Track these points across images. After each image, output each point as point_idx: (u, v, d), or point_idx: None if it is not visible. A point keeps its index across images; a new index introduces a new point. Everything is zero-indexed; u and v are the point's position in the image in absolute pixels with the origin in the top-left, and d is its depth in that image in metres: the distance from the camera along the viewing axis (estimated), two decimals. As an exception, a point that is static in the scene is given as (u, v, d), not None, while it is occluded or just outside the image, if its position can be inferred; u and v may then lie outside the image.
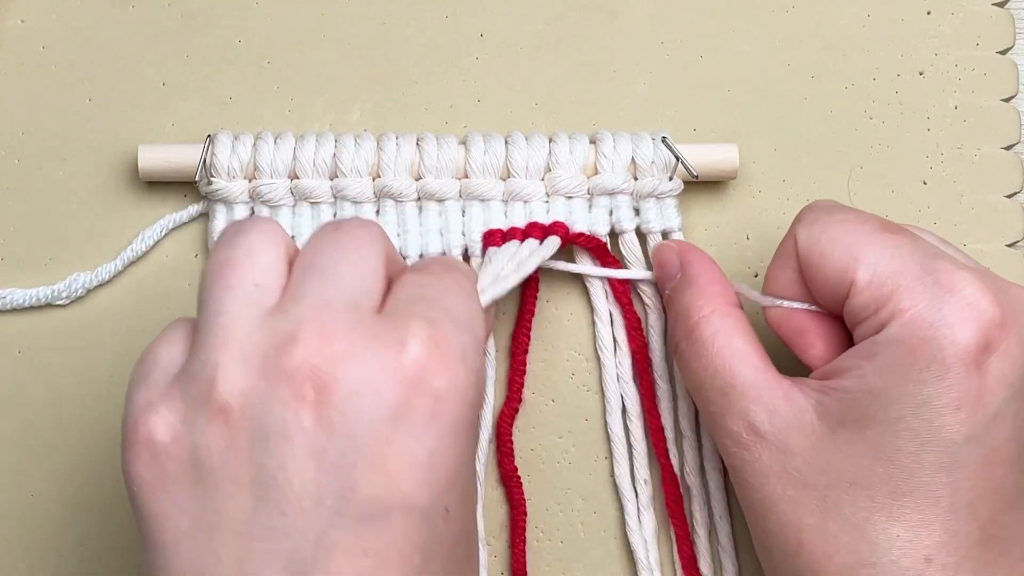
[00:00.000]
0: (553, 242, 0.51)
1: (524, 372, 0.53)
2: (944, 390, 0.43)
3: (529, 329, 0.53)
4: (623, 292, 0.53)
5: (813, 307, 0.48)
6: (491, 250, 0.51)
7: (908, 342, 0.44)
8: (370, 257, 0.42)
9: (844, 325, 0.47)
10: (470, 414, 0.41)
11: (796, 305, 0.48)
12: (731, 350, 0.47)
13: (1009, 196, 0.55)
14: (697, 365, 0.48)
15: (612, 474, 0.53)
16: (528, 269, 0.50)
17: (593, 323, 0.53)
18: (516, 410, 0.53)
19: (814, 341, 0.48)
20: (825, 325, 0.48)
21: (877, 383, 0.44)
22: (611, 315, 0.53)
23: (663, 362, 0.53)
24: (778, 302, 0.48)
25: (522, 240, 0.52)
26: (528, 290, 0.53)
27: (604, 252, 0.52)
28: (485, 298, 0.47)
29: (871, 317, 0.45)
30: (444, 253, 0.52)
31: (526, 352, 0.53)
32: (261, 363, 0.39)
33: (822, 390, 0.46)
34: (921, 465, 0.44)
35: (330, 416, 0.39)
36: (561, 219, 0.52)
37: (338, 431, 0.39)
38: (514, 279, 0.49)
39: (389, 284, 0.43)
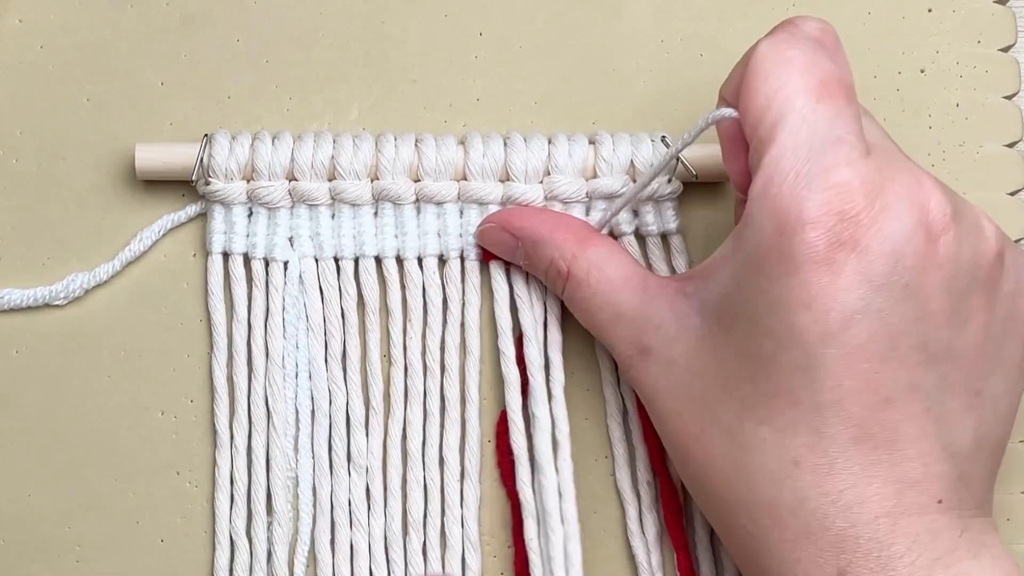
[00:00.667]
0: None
1: (524, 372, 0.53)
2: (795, 287, 0.42)
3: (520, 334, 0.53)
4: None
5: (730, 113, 0.45)
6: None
7: (766, 232, 0.42)
8: None
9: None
10: None
11: (726, 114, 0.45)
12: (609, 281, 0.48)
13: (1011, 194, 0.55)
14: (583, 306, 0.48)
15: (612, 474, 0.53)
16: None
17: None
18: (515, 411, 0.53)
19: (739, 154, 0.46)
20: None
21: (742, 276, 0.43)
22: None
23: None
24: (716, 113, 0.45)
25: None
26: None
27: None
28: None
29: (752, 180, 0.43)
30: (442, 255, 0.53)
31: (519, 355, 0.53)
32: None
33: (705, 287, 0.45)
34: (779, 366, 0.43)
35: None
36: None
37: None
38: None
39: None
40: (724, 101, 0.47)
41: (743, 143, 0.45)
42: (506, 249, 0.51)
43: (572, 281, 0.49)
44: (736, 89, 0.45)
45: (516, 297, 0.52)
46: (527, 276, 0.52)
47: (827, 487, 0.43)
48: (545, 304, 0.52)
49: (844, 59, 0.45)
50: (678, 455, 0.47)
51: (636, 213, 0.53)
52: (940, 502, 0.43)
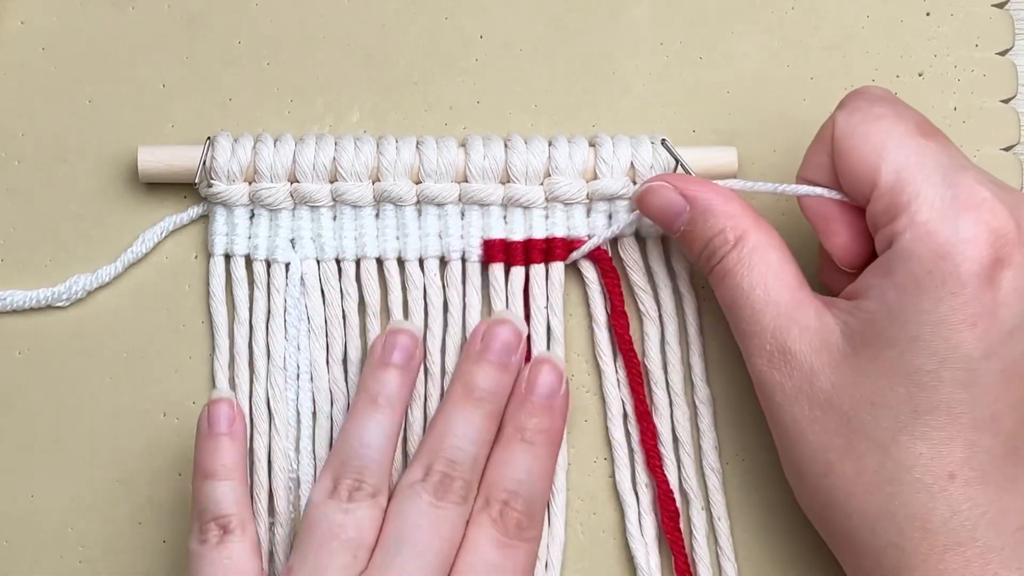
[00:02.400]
0: (558, 272, 0.53)
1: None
2: (960, 307, 0.44)
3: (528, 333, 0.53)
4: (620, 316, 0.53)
5: (830, 193, 0.48)
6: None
7: (923, 258, 0.44)
8: None
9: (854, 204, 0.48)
10: None
11: (806, 191, 0.49)
12: (767, 267, 0.48)
13: (1008, 197, 0.55)
14: (733, 283, 0.48)
15: (611, 475, 0.53)
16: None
17: (591, 328, 0.53)
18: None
19: (838, 229, 0.48)
20: (851, 214, 0.48)
21: (894, 302, 0.45)
22: (610, 318, 0.53)
23: (660, 371, 0.53)
24: (788, 189, 0.49)
25: (523, 259, 0.52)
26: (525, 295, 0.53)
27: (607, 262, 0.53)
28: None
29: (889, 224, 0.45)
30: (443, 257, 0.53)
31: (527, 353, 0.53)
32: None
33: (848, 311, 0.46)
34: (940, 382, 0.44)
35: None
36: (560, 223, 0.53)
37: None
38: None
39: None
40: (805, 181, 0.49)
41: (842, 216, 0.48)
42: (670, 211, 0.50)
43: (736, 252, 0.48)
44: (821, 167, 0.48)
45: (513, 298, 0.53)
46: (527, 280, 0.52)
47: (979, 499, 0.44)
48: (547, 306, 0.53)
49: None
50: (817, 468, 0.47)
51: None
52: None
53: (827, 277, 0.51)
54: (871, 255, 0.48)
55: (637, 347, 0.53)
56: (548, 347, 0.53)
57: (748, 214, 0.49)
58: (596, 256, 0.53)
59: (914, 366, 0.44)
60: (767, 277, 0.48)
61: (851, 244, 0.48)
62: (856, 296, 0.46)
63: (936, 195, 0.45)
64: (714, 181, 0.50)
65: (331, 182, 0.52)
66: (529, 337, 0.52)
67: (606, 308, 0.53)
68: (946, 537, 0.44)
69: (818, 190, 0.48)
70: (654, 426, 0.53)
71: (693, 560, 0.53)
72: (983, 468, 0.44)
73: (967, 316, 0.44)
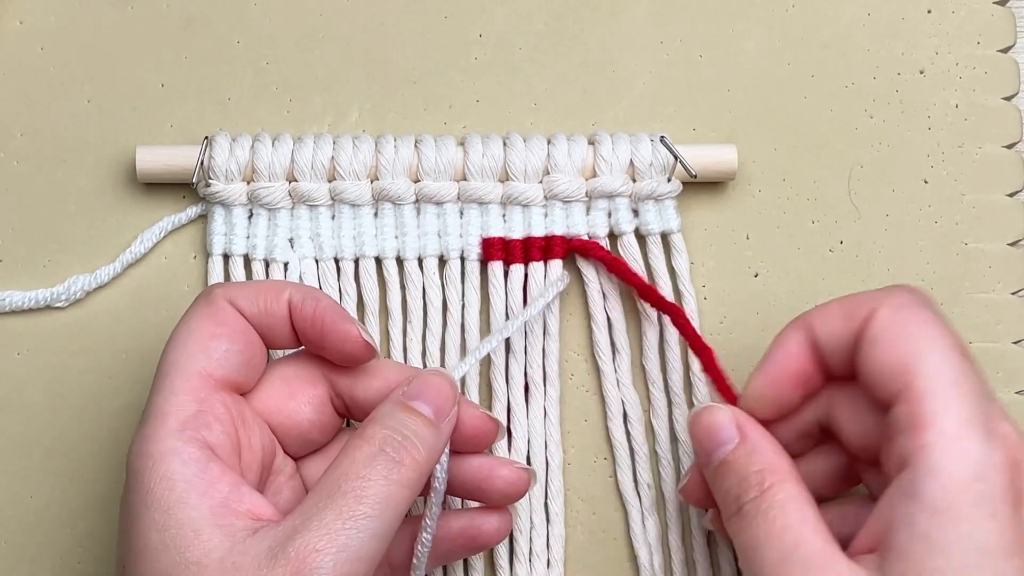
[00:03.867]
0: (556, 269, 0.53)
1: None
2: (1000, 532, 0.41)
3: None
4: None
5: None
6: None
7: (955, 476, 0.42)
8: None
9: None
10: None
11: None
12: (803, 518, 0.44)
13: (1010, 195, 0.55)
14: (761, 530, 0.44)
15: (611, 475, 0.53)
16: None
17: (590, 328, 0.53)
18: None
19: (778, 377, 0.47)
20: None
21: (932, 529, 0.41)
22: (608, 320, 0.53)
23: (659, 371, 0.53)
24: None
25: (522, 257, 0.52)
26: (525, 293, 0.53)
27: (604, 252, 0.52)
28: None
29: (909, 432, 0.43)
30: (442, 256, 0.53)
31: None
32: None
33: (880, 557, 0.42)
34: None
35: None
36: (559, 221, 0.53)
37: None
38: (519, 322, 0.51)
39: None
40: (806, 329, 0.47)
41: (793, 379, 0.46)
42: (721, 437, 0.47)
43: (767, 498, 0.44)
44: (835, 325, 0.46)
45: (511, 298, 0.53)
46: (526, 278, 0.52)
47: None
48: (548, 307, 0.53)
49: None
50: None
51: (636, 212, 0.53)
52: None
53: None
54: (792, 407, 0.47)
55: (636, 347, 0.53)
56: (544, 344, 0.52)
57: (790, 469, 0.46)
58: (592, 251, 0.52)
59: None
60: (802, 528, 0.43)
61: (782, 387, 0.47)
62: (880, 539, 0.43)
63: (969, 415, 0.42)
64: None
65: (329, 181, 0.52)
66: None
67: (605, 308, 0.53)
68: None
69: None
70: (710, 350, 0.52)
71: (692, 560, 0.52)
72: None
73: (1007, 542, 0.41)
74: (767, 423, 0.47)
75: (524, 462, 0.52)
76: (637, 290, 0.52)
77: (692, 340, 0.52)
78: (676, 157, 0.52)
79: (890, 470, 0.43)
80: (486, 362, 0.53)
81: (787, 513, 0.44)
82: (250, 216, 0.53)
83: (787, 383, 0.47)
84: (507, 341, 0.52)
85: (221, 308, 0.46)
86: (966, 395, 0.43)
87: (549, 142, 0.53)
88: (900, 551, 0.42)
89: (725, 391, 0.50)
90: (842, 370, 0.46)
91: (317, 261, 0.53)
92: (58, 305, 0.53)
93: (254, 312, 0.47)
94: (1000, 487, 0.42)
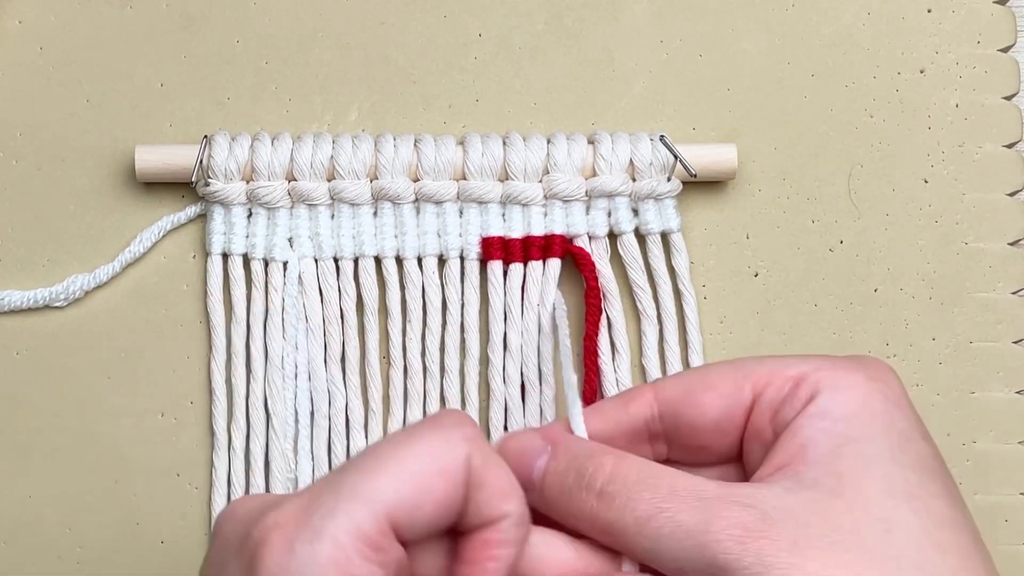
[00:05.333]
0: (554, 268, 0.52)
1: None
2: (911, 423, 0.41)
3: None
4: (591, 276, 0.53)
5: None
6: None
7: (859, 391, 0.41)
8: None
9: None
10: None
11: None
12: (670, 473, 0.41)
13: (1011, 194, 0.55)
14: (644, 497, 0.40)
15: (611, 475, 0.53)
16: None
17: (590, 325, 0.53)
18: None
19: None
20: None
21: (848, 428, 0.40)
22: (608, 319, 0.53)
23: (659, 371, 0.53)
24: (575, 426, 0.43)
25: (522, 256, 0.52)
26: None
27: (587, 271, 0.52)
28: None
29: (789, 400, 0.41)
30: (442, 255, 0.53)
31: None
32: None
33: (793, 475, 0.40)
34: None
35: (207, 571, 0.39)
36: (559, 221, 0.52)
37: None
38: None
39: None
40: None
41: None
42: (531, 452, 0.42)
43: (625, 470, 0.41)
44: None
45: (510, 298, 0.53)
46: (525, 277, 0.52)
47: None
48: (540, 303, 0.53)
49: None
50: None
51: (636, 212, 0.53)
52: None
53: None
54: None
55: (635, 346, 0.53)
56: (539, 343, 0.52)
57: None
58: (580, 263, 0.52)
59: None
60: (683, 476, 0.40)
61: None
62: (787, 459, 0.41)
63: (841, 367, 0.42)
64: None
65: (329, 180, 0.52)
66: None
67: (605, 308, 0.53)
68: None
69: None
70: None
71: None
72: None
73: (922, 430, 0.41)
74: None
75: None
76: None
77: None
78: (676, 156, 0.52)
79: (781, 421, 0.42)
80: (484, 362, 0.53)
81: (657, 472, 0.40)
82: (249, 215, 0.53)
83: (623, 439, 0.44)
84: (504, 340, 0.52)
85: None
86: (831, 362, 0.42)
87: (549, 141, 0.53)
88: (821, 456, 0.40)
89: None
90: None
91: (316, 260, 0.53)
92: (57, 304, 0.53)
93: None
94: (892, 394, 0.41)
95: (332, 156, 0.52)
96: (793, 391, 0.42)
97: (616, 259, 0.53)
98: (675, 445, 0.44)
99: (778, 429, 0.42)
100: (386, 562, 0.37)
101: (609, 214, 0.53)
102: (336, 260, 0.53)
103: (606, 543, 0.41)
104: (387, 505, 0.37)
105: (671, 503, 0.40)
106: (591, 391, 0.52)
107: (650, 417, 0.43)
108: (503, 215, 0.53)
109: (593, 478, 0.41)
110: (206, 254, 0.53)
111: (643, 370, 0.53)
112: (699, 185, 0.54)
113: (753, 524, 0.38)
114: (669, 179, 0.52)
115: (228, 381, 0.53)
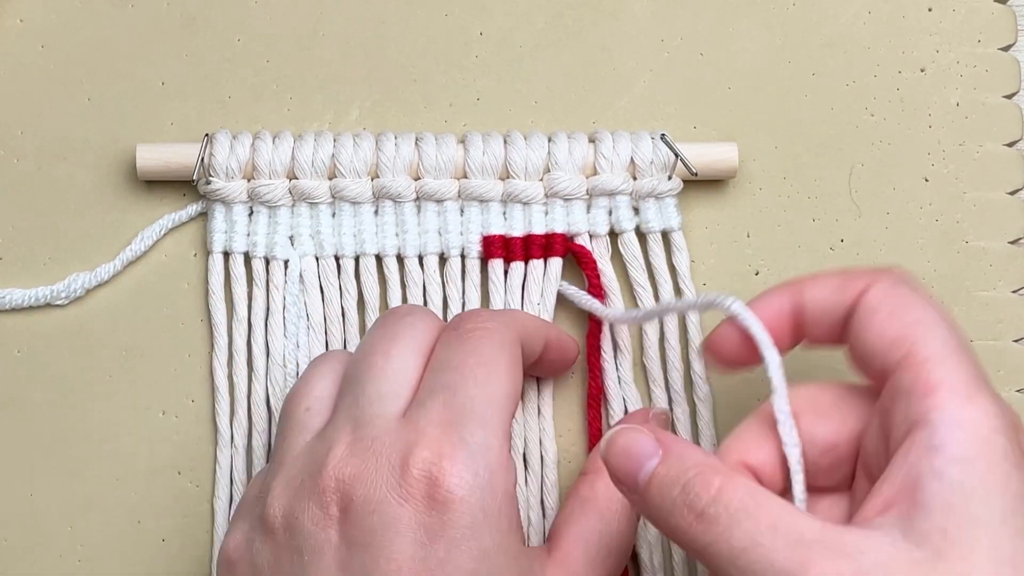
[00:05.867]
0: (555, 267, 0.53)
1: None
2: None
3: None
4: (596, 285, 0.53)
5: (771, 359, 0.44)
6: None
7: (981, 428, 0.40)
8: (397, 354, 0.45)
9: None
10: (484, 515, 0.42)
11: (758, 336, 0.45)
12: (781, 503, 0.40)
13: (1011, 193, 0.55)
14: (742, 527, 0.39)
15: (612, 473, 0.53)
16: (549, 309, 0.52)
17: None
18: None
19: (729, 347, 0.46)
20: (746, 352, 0.45)
21: (967, 478, 0.39)
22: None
23: (660, 369, 0.53)
24: (751, 322, 0.45)
25: (523, 255, 0.52)
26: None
27: (589, 270, 0.52)
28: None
29: (922, 392, 0.41)
30: (443, 254, 0.52)
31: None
32: (299, 486, 0.43)
33: (903, 515, 0.39)
34: None
35: (351, 532, 0.42)
36: (560, 219, 0.53)
37: (357, 545, 0.42)
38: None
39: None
40: (792, 293, 0.45)
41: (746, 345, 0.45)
42: (642, 453, 0.42)
43: (720, 503, 0.40)
44: (827, 295, 0.44)
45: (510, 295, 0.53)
46: (525, 276, 0.52)
47: None
48: (540, 302, 0.53)
49: None
50: None
51: (637, 210, 0.53)
52: None
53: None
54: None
55: (636, 344, 0.53)
56: None
57: (728, 466, 0.42)
58: (582, 261, 0.52)
59: (1013, 547, 0.38)
60: (784, 510, 0.39)
61: (732, 357, 0.45)
62: (902, 496, 0.40)
63: (975, 379, 0.41)
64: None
65: (330, 179, 0.52)
66: None
67: (607, 305, 0.53)
68: None
69: (761, 336, 0.44)
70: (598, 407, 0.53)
71: (692, 560, 0.52)
72: None
73: None
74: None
75: (520, 459, 0.52)
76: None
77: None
78: (677, 155, 0.52)
79: (895, 437, 0.41)
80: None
81: (762, 502, 0.39)
82: (250, 214, 0.53)
83: (734, 353, 0.46)
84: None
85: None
86: (968, 362, 0.41)
87: (550, 140, 0.53)
88: (931, 504, 0.39)
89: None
90: (823, 339, 0.45)
91: (317, 259, 0.53)
92: (58, 303, 0.53)
93: None
94: (1016, 442, 0.40)
95: (333, 154, 0.52)
96: (908, 397, 0.41)
97: (617, 258, 0.53)
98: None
99: (888, 433, 0.42)
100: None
101: (610, 213, 0.53)
102: (337, 258, 0.53)
103: (700, 562, 0.41)
104: (508, 402, 0.44)
105: (769, 539, 0.39)
106: (596, 388, 0.52)
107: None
108: (504, 214, 0.53)
109: (697, 496, 0.40)
110: (207, 252, 0.53)
111: (644, 368, 0.53)
112: (700, 184, 0.54)
113: None
114: (670, 178, 0.52)
115: (229, 379, 0.53)
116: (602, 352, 0.53)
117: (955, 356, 0.41)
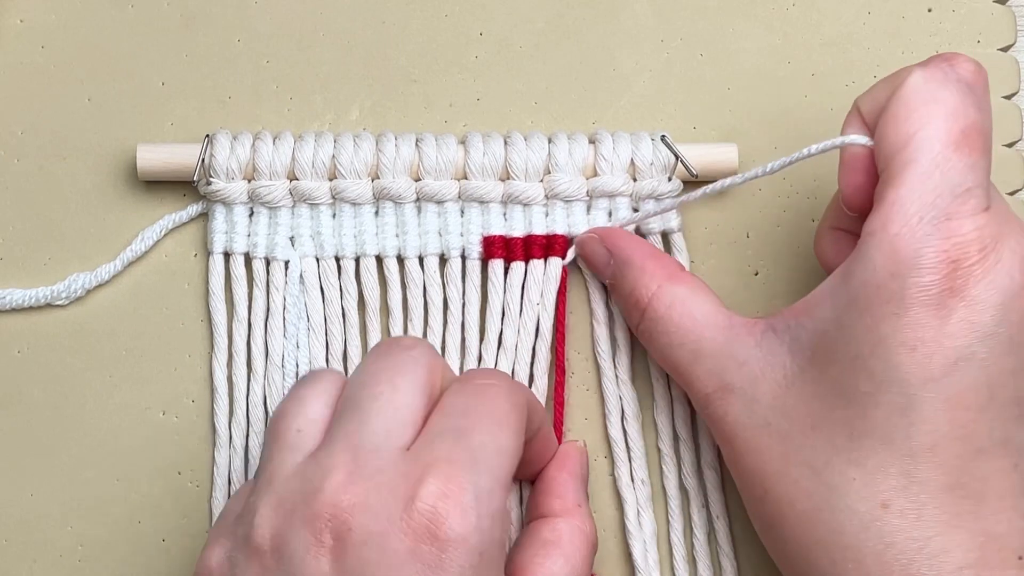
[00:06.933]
0: (555, 267, 0.53)
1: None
2: (900, 329, 0.42)
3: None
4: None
5: (855, 140, 0.46)
6: None
7: (877, 271, 0.42)
8: (405, 388, 0.44)
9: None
10: (481, 560, 0.41)
11: (830, 144, 0.46)
12: (691, 318, 0.48)
13: (1010, 193, 0.55)
14: (662, 341, 0.48)
15: (611, 473, 0.53)
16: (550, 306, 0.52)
17: (592, 325, 0.53)
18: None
19: (857, 174, 0.46)
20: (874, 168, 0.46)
21: (843, 314, 0.43)
22: (611, 315, 0.53)
23: (660, 368, 0.53)
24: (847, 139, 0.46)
25: (523, 255, 0.52)
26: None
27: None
28: None
29: (873, 214, 0.43)
30: (443, 254, 0.53)
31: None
32: (291, 509, 0.42)
33: (800, 324, 0.45)
34: (877, 406, 0.43)
35: (346, 562, 0.41)
36: (560, 220, 0.53)
37: (351, 575, 0.41)
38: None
39: (435, 404, 0.45)
40: (858, 112, 0.46)
41: (866, 165, 0.46)
42: (599, 262, 0.51)
43: (650, 313, 0.49)
44: (876, 107, 0.45)
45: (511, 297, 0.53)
46: (525, 275, 0.52)
47: (914, 533, 0.43)
48: (540, 302, 0.53)
49: (989, 107, 0.46)
50: (755, 493, 0.46)
51: (637, 211, 0.53)
52: (1020, 558, 0.43)
53: (823, 246, 0.49)
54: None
55: (637, 344, 0.53)
56: (535, 342, 0.52)
57: (665, 269, 0.48)
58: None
59: (852, 386, 0.43)
60: (690, 330, 0.48)
61: (860, 193, 0.46)
62: (811, 306, 0.45)
63: (916, 212, 0.42)
64: (734, 177, 0.49)
65: (330, 180, 0.52)
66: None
67: (607, 304, 0.53)
68: (879, 570, 0.43)
69: (857, 139, 0.46)
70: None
71: (693, 558, 0.52)
72: (920, 500, 0.42)
73: (906, 339, 0.42)
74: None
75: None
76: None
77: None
78: (677, 156, 0.52)
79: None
80: (478, 362, 0.53)
81: (675, 320, 0.48)
82: (251, 214, 0.53)
83: (860, 174, 0.46)
84: (500, 337, 0.52)
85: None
86: (929, 189, 0.43)
87: (550, 141, 0.53)
88: (817, 325, 0.44)
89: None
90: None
91: (318, 259, 0.53)
92: (59, 303, 0.53)
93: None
94: (917, 286, 0.42)
95: (333, 155, 0.52)
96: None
97: (617, 258, 0.53)
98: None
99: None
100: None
101: (610, 214, 0.53)
102: (338, 259, 0.53)
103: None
104: (512, 458, 0.44)
105: (679, 351, 0.48)
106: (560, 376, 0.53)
107: None
108: (504, 215, 0.53)
109: (636, 306, 0.49)
110: (208, 253, 0.53)
111: (647, 366, 0.53)
112: (700, 184, 0.54)
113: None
114: (670, 179, 0.53)
115: (229, 379, 0.53)
116: (600, 354, 0.53)
117: (917, 179, 0.43)
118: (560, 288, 0.53)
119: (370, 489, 0.41)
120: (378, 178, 0.52)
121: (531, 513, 0.50)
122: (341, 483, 0.42)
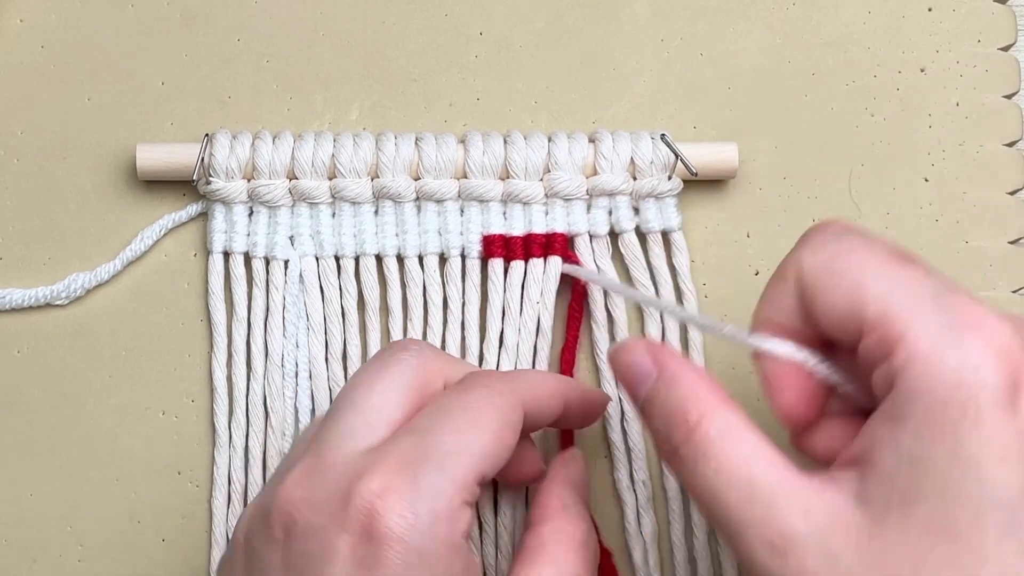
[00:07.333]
0: (555, 266, 0.53)
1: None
2: (986, 440, 0.38)
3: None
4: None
5: (805, 358, 0.43)
6: None
7: (935, 391, 0.38)
8: (380, 390, 0.44)
9: (825, 378, 0.43)
10: (420, 558, 0.41)
11: (784, 353, 0.43)
12: (746, 449, 0.41)
13: (1011, 193, 0.55)
14: (706, 470, 0.41)
15: (611, 474, 0.53)
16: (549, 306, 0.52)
17: (591, 325, 0.53)
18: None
19: (786, 386, 0.43)
20: (803, 376, 0.43)
21: (914, 449, 0.38)
22: (610, 317, 0.53)
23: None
24: (767, 346, 0.43)
25: (523, 254, 0.52)
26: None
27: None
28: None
29: (885, 361, 0.40)
30: (443, 253, 0.52)
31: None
32: (259, 503, 0.44)
33: (858, 478, 0.39)
34: (984, 534, 0.38)
35: (290, 556, 0.42)
36: (560, 219, 0.53)
37: (295, 569, 0.42)
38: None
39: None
40: (769, 323, 0.44)
41: (796, 370, 0.43)
42: (638, 373, 0.43)
43: (698, 437, 0.41)
44: (784, 309, 0.43)
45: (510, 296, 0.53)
46: (525, 275, 0.52)
47: None
48: (540, 301, 0.53)
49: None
50: None
51: (637, 210, 0.53)
52: None
53: (803, 441, 0.45)
54: (818, 413, 0.43)
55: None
56: (536, 341, 0.52)
57: (718, 395, 0.42)
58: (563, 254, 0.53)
59: (952, 519, 0.38)
60: (750, 462, 0.40)
61: (797, 404, 0.43)
62: (862, 458, 0.40)
63: (933, 322, 0.39)
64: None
65: (330, 179, 0.52)
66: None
67: (607, 306, 0.53)
68: None
69: (786, 350, 0.43)
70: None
71: (693, 559, 0.52)
72: None
73: (995, 450, 0.38)
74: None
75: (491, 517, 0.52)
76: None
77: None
78: (677, 155, 0.52)
79: (879, 396, 0.41)
80: (483, 359, 0.53)
81: (727, 450, 0.40)
82: (250, 214, 0.53)
83: (795, 389, 0.44)
84: (501, 336, 0.52)
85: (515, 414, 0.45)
86: (920, 302, 0.40)
87: (550, 140, 0.53)
88: (883, 472, 0.39)
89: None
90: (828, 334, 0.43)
91: (317, 259, 0.53)
92: (58, 303, 0.53)
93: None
94: (985, 388, 0.38)
95: (333, 155, 0.52)
96: (876, 362, 0.40)
97: (617, 257, 0.53)
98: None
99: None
100: (474, 505, 0.43)
101: (610, 213, 0.53)
102: (337, 258, 0.53)
103: None
104: (481, 458, 0.43)
105: (724, 490, 0.40)
106: (571, 347, 0.53)
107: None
108: (504, 213, 0.53)
109: (675, 431, 0.42)
110: (207, 252, 0.53)
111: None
112: (700, 183, 0.54)
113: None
114: (670, 178, 0.53)
115: (229, 379, 0.53)
116: (599, 353, 0.53)
117: (906, 302, 0.40)
118: (574, 298, 0.53)
119: (317, 485, 0.42)
120: (378, 177, 0.52)
121: (524, 527, 0.49)
122: (295, 479, 0.42)
